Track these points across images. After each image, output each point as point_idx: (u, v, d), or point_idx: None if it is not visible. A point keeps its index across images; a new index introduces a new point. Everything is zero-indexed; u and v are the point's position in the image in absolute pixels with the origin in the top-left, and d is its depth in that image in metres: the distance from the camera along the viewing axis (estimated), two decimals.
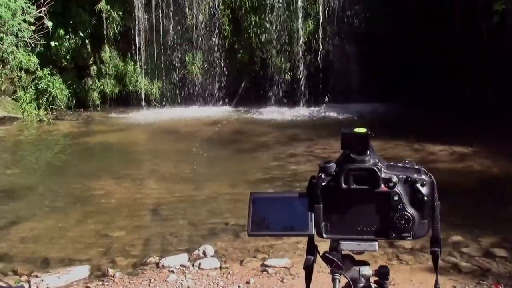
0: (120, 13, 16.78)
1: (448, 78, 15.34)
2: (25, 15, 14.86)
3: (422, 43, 15.87)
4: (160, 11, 16.69)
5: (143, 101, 16.98)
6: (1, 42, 14.60)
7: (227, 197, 8.83)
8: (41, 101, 16.38)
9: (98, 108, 17.10)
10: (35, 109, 16.30)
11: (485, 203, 8.34)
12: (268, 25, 16.53)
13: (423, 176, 1.69)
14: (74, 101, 17.00)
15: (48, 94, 16.40)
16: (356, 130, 1.67)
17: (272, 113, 16.14)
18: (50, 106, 16.54)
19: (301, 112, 16.20)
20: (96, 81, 17.09)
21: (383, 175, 1.66)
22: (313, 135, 13.48)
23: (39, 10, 15.24)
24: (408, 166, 1.73)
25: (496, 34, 14.33)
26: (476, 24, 14.77)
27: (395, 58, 15.89)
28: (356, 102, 15.76)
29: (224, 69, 17.00)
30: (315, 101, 16.57)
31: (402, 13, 16.02)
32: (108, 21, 16.76)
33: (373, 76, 15.77)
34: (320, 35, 16.48)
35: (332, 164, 1.70)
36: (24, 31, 14.86)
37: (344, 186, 1.66)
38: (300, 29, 16.44)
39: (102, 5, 16.55)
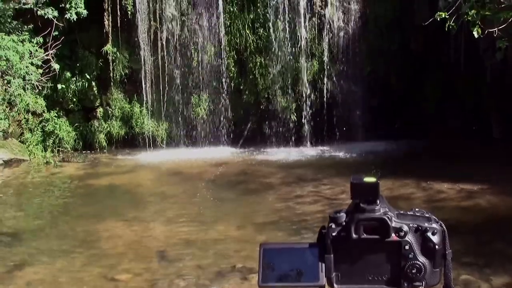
0: (126, 55, 16.93)
1: (454, 116, 15.41)
2: (33, 58, 15.00)
3: (426, 81, 15.99)
4: (166, 53, 16.82)
5: (149, 143, 16.99)
6: (9, 85, 14.72)
7: (234, 239, 8.79)
8: (47, 143, 16.44)
9: (105, 150, 17.12)
10: (42, 151, 16.35)
11: (494, 241, 8.29)
12: (273, 66, 16.63)
13: (433, 225, 1.67)
14: (80, 143, 17.05)
15: (54, 136, 16.48)
16: (366, 179, 1.66)
17: (278, 153, 16.14)
18: (57, 148, 16.59)
19: (307, 152, 16.19)
20: (103, 123, 17.16)
21: (393, 224, 1.64)
22: (319, 175, 13.47)
23: (46, 53, 15.40)
24: (418, 214, 1.71)
25: (500, 71, 14.40)
26: (480, 61, 14.86)
27: (400, 97, 16.00)
28: (362, 141, 15.81)
29: (230, 110, 17.05)
30: (321, 140, 16.57)
31: (407, 53, 16.17)
32: (115, 63, 16.89)
33: (378, 115, 15.85)
34: (325, 75, 16.56)
35: (342, 214, 1.69)
36: (31, 74, 14.99)
37: (354, 236, 1.64)
38: (305, 70, 16.53)
39: (108, 47, 16.71)
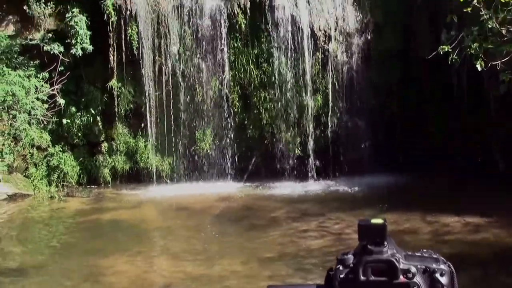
0: (131, 90, 17.03)
1: (460, 148, 15.42)
2: (38, 93, 15.12)
3: (431, 114, 16.04)
4: (171, 88, 16.89)
5: (154, 178, 17.01)
6: (14, 120, 14.81)
7: (239, 275, 8.75)
8: (52, 178, 16.48)
9: (109, 185, 17.13)
10: (46, 185, 16.37)
11: (501, 274, 8.24)
12: (277, 101, 16.68)
13: (442, 266, 1.66)
14: (85, 177, 17.06)
15: (59, 171, 16.52)
16: (374, 221, 1.66)
17: (283, 188, 16.11)
18: (61, 183, 16.62)
19: (312, 186, 16.16)
20: (107, 157, 17.19)
21: (401, 266, 1.63)
22: (325, 209, 13.44)
23: (52, 88, 15.52)
24: (426, 255, 1.70)
25: (504, 103, 14.42)
26: (484, 94, 14.90)
27: (404, 130, 16.03)
28: (367, 174, 15.74)
29: (235, 145, 17.06)
30: (326, 174, 16.55)
31: (410, 87, 16.26)
32: (119, 98, 16.99)
33: (383, 149, 15.86)
34: (329, 109, 16.59)
35: (350, 256, 1.68)
36: (37, 108, 15.09)
37: (362, 278, 1.63)
38: (309, 104, 16.57)
39: (113, 82, 16.82)
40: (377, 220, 1.63)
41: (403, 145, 15.94)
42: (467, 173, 14.44)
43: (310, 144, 16.68)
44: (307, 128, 16.68)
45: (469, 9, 10.74)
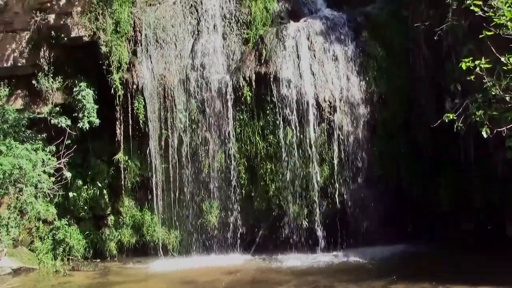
0: (138, 163, 17.10)
1: (467, 215, 15.30)
2: (45, 167, 15.16)
3: (438, 182, 15.98)
4: (177, 161, 16.94)
5: (161, 251, 16.86)
6: (21, 193, 14.80)
7: None
8: (57, 252, 16.38)
9: (115, 258, 16.99)
10: (52, 259, 16.25)
11: None
12: (284, 172, 16.64)
13: None
14: (91, 251, 16.98)
15: (65, 245, 16.45)
16: None
17: (291, 260, 15.89)
18: (67, 257, 16.50)
19: (320, 258, 15.92)
20: (114, 231, 17.10)
21: None
22: (334, 281, 13.25)
23: (59, 161, 15.60)
24: None
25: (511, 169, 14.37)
26: (490, 160, 14.87)
27: (412, 199, 15.96)
28: (376, 245, 15.56)
29: (241, 218, 16.95)
30: (334, 245, 16.33)
31: (417, 155, 16.27)
32: (126, 172, 17.05)
33: (391, 218, 15.73)
34: (336, 180, 16.53)
35: None
36: (43, 182, 15.11)
37: None
38: (315, 175, 16.53)
39: (120, 156, 16.91)
40: None
41: (412, 213, 15.84)
42: (477, 238, 14.27)
43: (318, 215, 16.54)
44: (314, 199, 16.56)
45: (472, 77, 10.85)
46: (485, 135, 11.03)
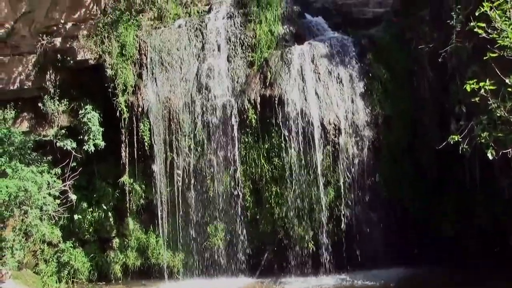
0: (143, 186, 17.13)
1: (472, 237, 15.22)
2: (50, 189, 15.16)
3: (443, 204, 15.93)
4: (182, 183, 16.93)
5: (166, 274, 16.79)
6: (26, 215, 14.78)
7: None
8: (62, 274, 16.37)
9: (120, 281, 16.97)
10: (56, 282, 16.24)
11: None
12: (289, 195, 16.61)
13: None
14: (95, 274, 16.95)
15: (69, 267, 16.44)
16: None
17: (297, 283, 15.88)
18: (72, 279, 16.47)
19: (326, 280, 15.88)
20: (118, 253, 17.08)
21: None
22: None
23: (64, 184, 15.59)
24: None
25: None
26: (496, 181, 14.81)
27: (418, 220, 15.90)
28: (382, 267, 15.51)
29: (247, 240, 16.91)
30: (340, 268, 16.24)
31: (422, 177, 16.24)
32: (131, 194, 17.06)
33: (397, 240, 15.68)
34: (341, 202, 16.47)
35: None
36: (48, 204, 15.08)
37: None
38: (321, 198, 16.48)
39: (125, 178, 16.93)
40: None
41: (417, 236, 15.78)
42: (481, 260, 14.20)
43: (323, 238, 16.47)
44: (320, 222, 16.51)
45: (477, 98, 10.83)
46: (490, 157, 10.98)
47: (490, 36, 10.49)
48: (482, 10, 10.36)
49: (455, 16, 14.69)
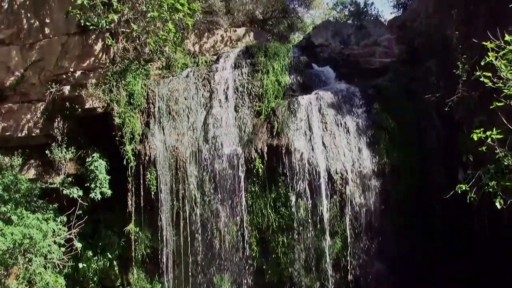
0: (149, 234, 17.06)
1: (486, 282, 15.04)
2: (56, 237, 15.11)
3: (455, 252, 15.74)
4: (188, 232, 16.85)
5: None
6: (30, 263, 14.69)
7: None
8: None
9: None
10: None
11: None
12: (296, 245, 16.48)
13: None
14: None
15: None
16: None
17: None
18: None
19: None
20: None
21: None
22: None
23: (70, 232, 15.55)
24: None
25: None
26: (507, 230, 14.65)
27: (427, 271, 15.70)
28: None
29: None
30: None
31: (430, 227, 16.12)
32: (137, 243, 16.98)
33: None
34: (348, 253, 16.32)
35: None
36: (53, 252, 15.03)
37: None
38: (327, 248, 16.34)
39: (131, 227, 16.87)
40: None
41: (426, 286, 15.56)
42: None
43: None
44: (327, 272, 16.34)
45: (484, 147, 10.83)
46: (499, 206, 10.92)
47: (496, 85, 10.55)
48: (488, 59, 10.45)
49: (461, 66, 14.81)
